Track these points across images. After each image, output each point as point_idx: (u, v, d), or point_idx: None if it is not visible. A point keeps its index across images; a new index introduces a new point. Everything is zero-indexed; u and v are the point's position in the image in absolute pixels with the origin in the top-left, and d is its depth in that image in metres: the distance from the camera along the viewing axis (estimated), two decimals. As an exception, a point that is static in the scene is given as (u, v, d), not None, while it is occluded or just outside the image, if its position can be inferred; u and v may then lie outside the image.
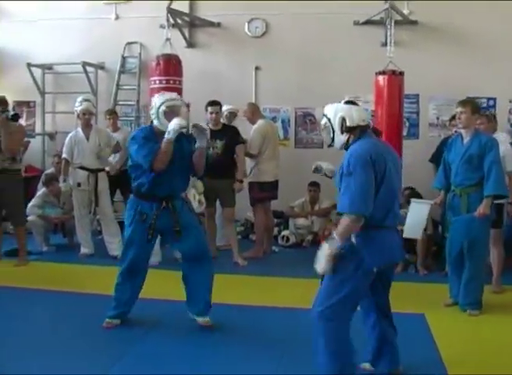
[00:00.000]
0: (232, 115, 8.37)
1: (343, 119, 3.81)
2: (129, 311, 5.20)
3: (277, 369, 4.22)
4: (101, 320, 5.16)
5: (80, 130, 7.82)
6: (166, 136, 4.77)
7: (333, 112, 3.87)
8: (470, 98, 6.53)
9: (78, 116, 7.80)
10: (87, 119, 7.78)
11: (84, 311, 5.55)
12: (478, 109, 6.02)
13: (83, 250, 7.89)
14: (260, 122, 8.04)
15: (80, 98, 7.86)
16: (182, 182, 5.16)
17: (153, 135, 4.96)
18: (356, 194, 3.58)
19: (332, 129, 3.86)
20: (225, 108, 8.12)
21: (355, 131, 3.82)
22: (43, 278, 6.78)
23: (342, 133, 3.84)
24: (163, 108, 4.90)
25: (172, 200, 5.02)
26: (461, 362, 4.41)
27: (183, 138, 4.96)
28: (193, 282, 5.10)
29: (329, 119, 3.87)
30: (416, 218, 6.14)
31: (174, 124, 4.74)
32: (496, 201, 5.84)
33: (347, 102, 3.94)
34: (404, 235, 5.90)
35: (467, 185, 5.72)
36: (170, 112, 4.89)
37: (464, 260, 5.73)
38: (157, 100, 4.98)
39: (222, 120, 7.90)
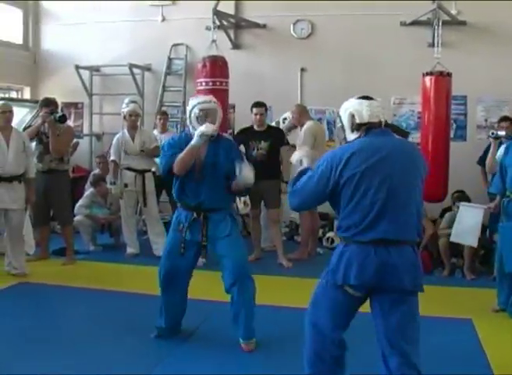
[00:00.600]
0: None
1: (352, 116, 3.43)
2: (176, 323, 4.98)
3: None
4: (146, 319, 5.22)
5: (126, 131, 7.90)
6: (191, 141, 4.56)
7: (344, 108, 3.52)
8: None
9: (125, 117, 7.88)
10: (133, 120, 7.85)
11: (129, 310, 5.64)
12: None
13: (129, 250, 7.97)
14: (309, 122, 7.98)
15: (126, 100, 7.95)
16: (215, 193, 4.66)
17: (183, 142, 4.68)
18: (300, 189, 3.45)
19: (343, 127, 3.52)
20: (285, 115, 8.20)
21: (365, 129, 3.43)
22: (89, 277, 6.88)
23: (352, 131, 3.46)
24: (195, 111, 4.66)
25: (207, 211, 4.67)
26: (510, 368, 4.34)
27: (221, 149, 4.71)
28: (234, 304, 4.75)
29: (340, 117, 3.53)
30: (468, 223, 6.06)
31: (200, 130, 4.51)
32: None
33: (361, 97, 3.50)
34: (452, 239, 5.83)
35: None
36: (203, 116, 4.64)
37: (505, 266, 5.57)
38: (190, 103, 4.77)
39: (281, 126, 7.97)
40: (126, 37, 10.38)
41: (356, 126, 3.43)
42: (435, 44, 8.27)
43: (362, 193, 3.25)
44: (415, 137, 8.49)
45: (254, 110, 7.60)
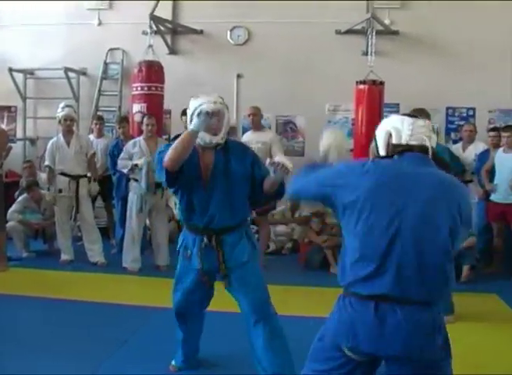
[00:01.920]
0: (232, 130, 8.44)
1: (389, 135, 2.77)
2: (193, 355, 4.49)
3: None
4: (82, 326, 5.18)
5: (60, 136, 7.79)
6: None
7: (382, 125, 2.87)
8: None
9: (59, 121, 7.77)
10: (68, 125, 7.75)
11: (63, 317, 5.54)
12: None
13: (64, 256, 7.84)
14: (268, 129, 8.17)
15: (61, 104, 7.84)
16: (228, 207, 3.92)
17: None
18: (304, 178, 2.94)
19: (377, 147, 2.83)
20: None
21: (400, 152, 2.75)
22: (22, 284, 6.73)
23: (386, 152, 2.79)
24: (198, 113, 3.77)
25: (220, 233, 3.92)
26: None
27: (232, 155, 3.98)
28: (255, 346, 3.98)
29: (375, 136, 2.86)
30: None
31: (199, 107, 3.79)
32: None
33: (407, 114, 2.89)
34: None
35: None
36: (207, 119, 3.80)
37: None
38: (191, 104, 3.87)
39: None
40: (61, 40, 10.25)
41: (391, 148, 2.76)
42: (369, 53, 8.46)
43: (367, 227, 2.59)
44: (349, 143, 8.64)
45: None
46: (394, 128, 2.75)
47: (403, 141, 2.73)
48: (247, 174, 3.97)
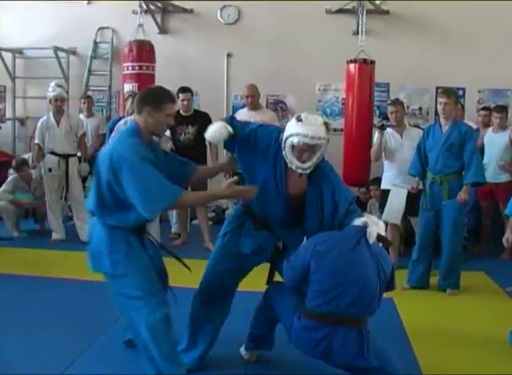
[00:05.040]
0: None
1: None
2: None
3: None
4: (73, 304, 5.23)
5: (51, 115, 7.79)
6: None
7: None
8: (451, 88, 6.66)
9: (50, 101, 7.76)
10: (59, 105, 7.74)
11: (55, 295, 5.59)
12: (458, 99, 6.25)
13: (55, 236, 7.87)
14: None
15: (52, 84, 7.82)
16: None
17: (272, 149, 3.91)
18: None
19: None
20: None
21: None
22: (13, 264, 6.74)
23: None
24: (293, 141, 3.67)
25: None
26: (425, 339, 4.69)
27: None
28: None
29: None
30: (394, 203, 6.35)
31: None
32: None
33: None
34: (383, 218, 6.06)
35: (447, 172, 5.95)
36: (299, 151, 3.70)
37: (443, 244, 6.04)
38: (289, 127, 3.74)
39: None
40: (51, 19, 10.12)
41: None
42: (360, 33, 8.46)
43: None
44: (339, 123, 8.66)
45: (181, 95, 7.61)
46: None
47: None
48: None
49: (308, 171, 3.75)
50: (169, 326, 3.63)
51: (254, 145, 3.89)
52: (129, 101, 7.76)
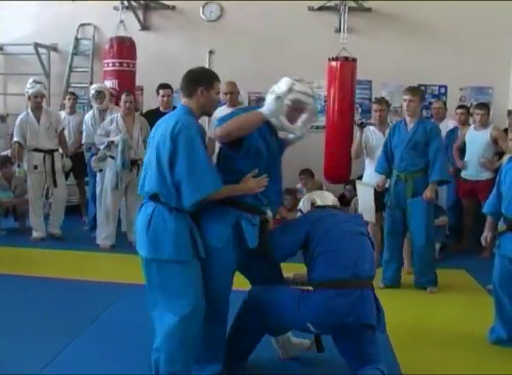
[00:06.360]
0: None
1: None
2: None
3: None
4: (52, 304, 5.20)
5: (30, 111, 7.72)
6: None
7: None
8: (417, 86, 6.64)
9: (29, 98, 7.70)
10: (38, 102, 7.68)
11: (33, 294, 5.54)
12: (424, 97, 6.25)
13: (35, 234, 7.80)
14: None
15: (30, 80, 7.75)
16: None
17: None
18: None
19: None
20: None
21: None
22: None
23: None
24: (288, 102, 3.71)
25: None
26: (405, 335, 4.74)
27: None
28: None
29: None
30: (364, 201, 6.35)
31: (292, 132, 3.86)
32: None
33: None
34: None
35: (412, 170, 5.96)
36: (294, 110, 3.76)
37: (413, 242, 6.09)
38: (284, 83, 3.78)
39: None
40: (31, 15, 10.03)
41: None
42: (342, 30, 8.46)
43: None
44: (321, 121, 8.65)
45: (161, 91, 7.60)
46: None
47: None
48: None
49: (299, 135, 3.83)
50: None
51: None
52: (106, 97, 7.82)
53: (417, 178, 5.95)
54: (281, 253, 3.86)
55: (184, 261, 3.52)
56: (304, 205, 4.21)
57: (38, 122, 7.69)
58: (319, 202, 4.13)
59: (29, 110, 7.74)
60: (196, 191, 3.45)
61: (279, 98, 3.66)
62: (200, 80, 3.73)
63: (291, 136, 3.84)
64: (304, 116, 3.76)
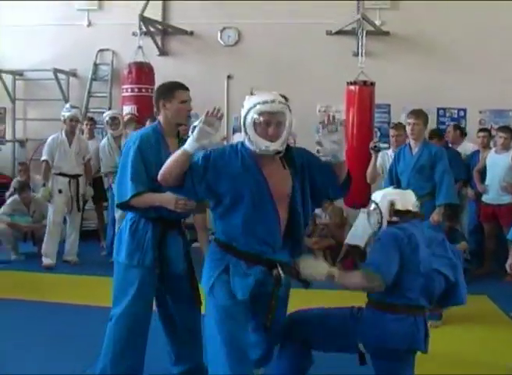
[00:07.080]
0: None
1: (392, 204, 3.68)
2: None
3: None
4: (68, 329, 5.14)
5: (63, 134, 7.76)
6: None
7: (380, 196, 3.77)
8: (420, 109, 6.55)
9: (64, 121, 7.73)
10: (73, 125, 7.76)
11: (49, 320, 5.50)
12: (428, 120, 6.19)
13: (47, 261, 7.64)
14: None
15: (67, 105, 7.95)
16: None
17: (233, 161, 3.35)
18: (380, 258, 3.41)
19: (381, 212, 3.70)
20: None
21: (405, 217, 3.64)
22: (9, 287, 6.65)
23: (390, 217, 3.68)
24: (253, 115, 3.22)
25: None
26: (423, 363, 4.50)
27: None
28: None
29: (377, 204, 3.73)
30: (358, 226, 6.28)
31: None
32: None
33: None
34: (346, 241, 6.03)
35: (419, 195, 5.83)
36: (264, 124, 3.23)
37: None
38: (245, 104, 3.30)
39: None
40: (51, 41, 10.17)
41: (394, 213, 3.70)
42: (360, 54, 8.44)
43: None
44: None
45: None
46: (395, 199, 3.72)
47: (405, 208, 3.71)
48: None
49: (281, 149, 3.26)
50: None
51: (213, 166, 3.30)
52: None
53: (424, 202, 5.87)
54: (390, 279, 3.41)
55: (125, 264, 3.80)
56: (381, 202, 3.74)
57: (70, 146, 7.73)
58: (399, 206, 3.71)
59: (62, 132, 7.78)
60: (117, 196, 3.77)
61: (194, 127, 3.29)
62: (160, 94, 3.88)
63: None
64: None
